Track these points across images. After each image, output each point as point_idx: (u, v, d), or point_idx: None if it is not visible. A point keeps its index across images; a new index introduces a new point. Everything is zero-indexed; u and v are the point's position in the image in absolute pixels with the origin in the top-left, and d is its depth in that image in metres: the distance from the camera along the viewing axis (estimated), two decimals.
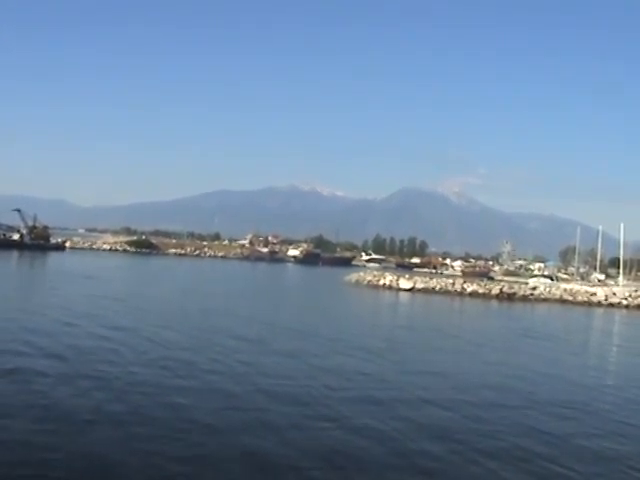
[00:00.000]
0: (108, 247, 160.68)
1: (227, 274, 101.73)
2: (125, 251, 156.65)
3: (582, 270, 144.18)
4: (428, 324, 45.29)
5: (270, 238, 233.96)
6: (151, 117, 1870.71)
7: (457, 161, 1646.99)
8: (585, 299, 78.96)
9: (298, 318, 42.08)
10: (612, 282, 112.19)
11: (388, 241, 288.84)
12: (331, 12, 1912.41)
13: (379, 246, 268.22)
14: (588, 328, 57.47)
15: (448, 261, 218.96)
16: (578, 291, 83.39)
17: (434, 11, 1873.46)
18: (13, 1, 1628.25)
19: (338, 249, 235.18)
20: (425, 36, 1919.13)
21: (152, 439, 14.35)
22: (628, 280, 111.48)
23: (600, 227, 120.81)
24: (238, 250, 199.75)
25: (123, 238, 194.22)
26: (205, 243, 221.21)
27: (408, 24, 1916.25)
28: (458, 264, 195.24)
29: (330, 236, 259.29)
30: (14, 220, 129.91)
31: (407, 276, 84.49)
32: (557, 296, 79.33)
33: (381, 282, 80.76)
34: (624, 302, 78.30)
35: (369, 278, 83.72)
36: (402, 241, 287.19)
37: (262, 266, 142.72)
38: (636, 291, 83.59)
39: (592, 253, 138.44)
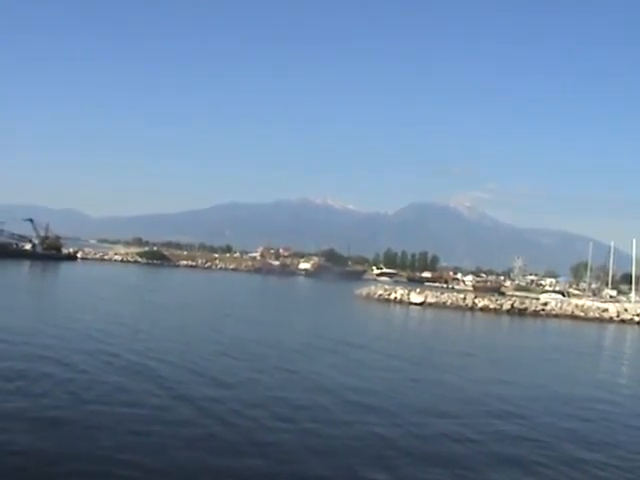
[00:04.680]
0: (120, 258, 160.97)
1: (245, 287, 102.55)
2: (136, 262, 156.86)
3: (594, 286, 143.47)
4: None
5: (281, 251, 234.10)
6: (162, 129, 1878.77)
7: (467, 176, 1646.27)
8: (597, 315, 78.60)
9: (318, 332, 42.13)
10: (624, 298, 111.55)
11: (399, 255, 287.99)
12: (344, 27, 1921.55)
13: (390, 260, 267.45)
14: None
15: (459, 276, 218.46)
16: (590, 307, 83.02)
17: (445, 27, 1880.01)
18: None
19: (349, 263, 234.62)
20: (437, 52, 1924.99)
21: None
22: None
23: (612, 243, 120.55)
24: (249, 263, 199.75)
25: (134, 249, 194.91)
26: (216, 255, 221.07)
27: (421, 41, 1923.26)
28: (469, 279, 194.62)
29: (341, 250, 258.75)
30: (26, 230, 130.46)
31: (418, 290, 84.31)
32: (568, 312, 78.97)
33: (392, 296, 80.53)
34: (636, 318, 77.90)
35: (380, 292, 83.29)
36: (413, 255, 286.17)
37: (273, 279, 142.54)
38: None
39: (604, 269, 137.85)
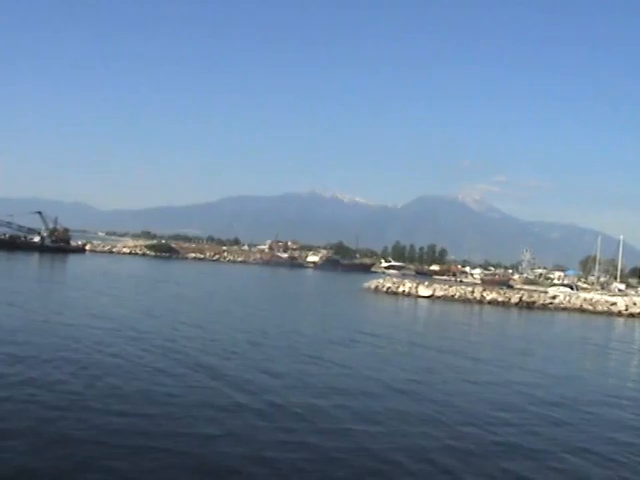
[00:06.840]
0: (128, 251, 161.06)
1: (255, 280, 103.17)
2: (145, 255, 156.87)
3: (602, 279, 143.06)
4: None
5: (290, 244, 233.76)
6: (171, 123, 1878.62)
7: (476, 169, 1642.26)
8: (605, 309, 78.33)
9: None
10: (633, 292, 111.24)
11: (408, 248, 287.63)
12: (349, 29, 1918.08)
13: (398, 253, 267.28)
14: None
15: (467, 269, 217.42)
16: (598, 301, 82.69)
17: (447, 27, 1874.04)
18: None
19: (358, 256, 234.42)
20: (446, 50, 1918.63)
21: None
22: None
23: (621, 237, 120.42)
24: (258, 255, 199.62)
25: (143, 242, 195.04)
26: (224, 248, 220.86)
27: (428, 42, 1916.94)
28: (478, 272, 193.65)
29: (350, 243, 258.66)
30: (35, 223, 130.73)
31: (426, 283, 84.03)
32: (577, 305, 78.71)
33: (400, 289, 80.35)
34: None
35: (388, 285, 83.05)
36: (422, 248, 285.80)
37: (282, 272, 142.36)
38: None
39: (612, 262, 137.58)
